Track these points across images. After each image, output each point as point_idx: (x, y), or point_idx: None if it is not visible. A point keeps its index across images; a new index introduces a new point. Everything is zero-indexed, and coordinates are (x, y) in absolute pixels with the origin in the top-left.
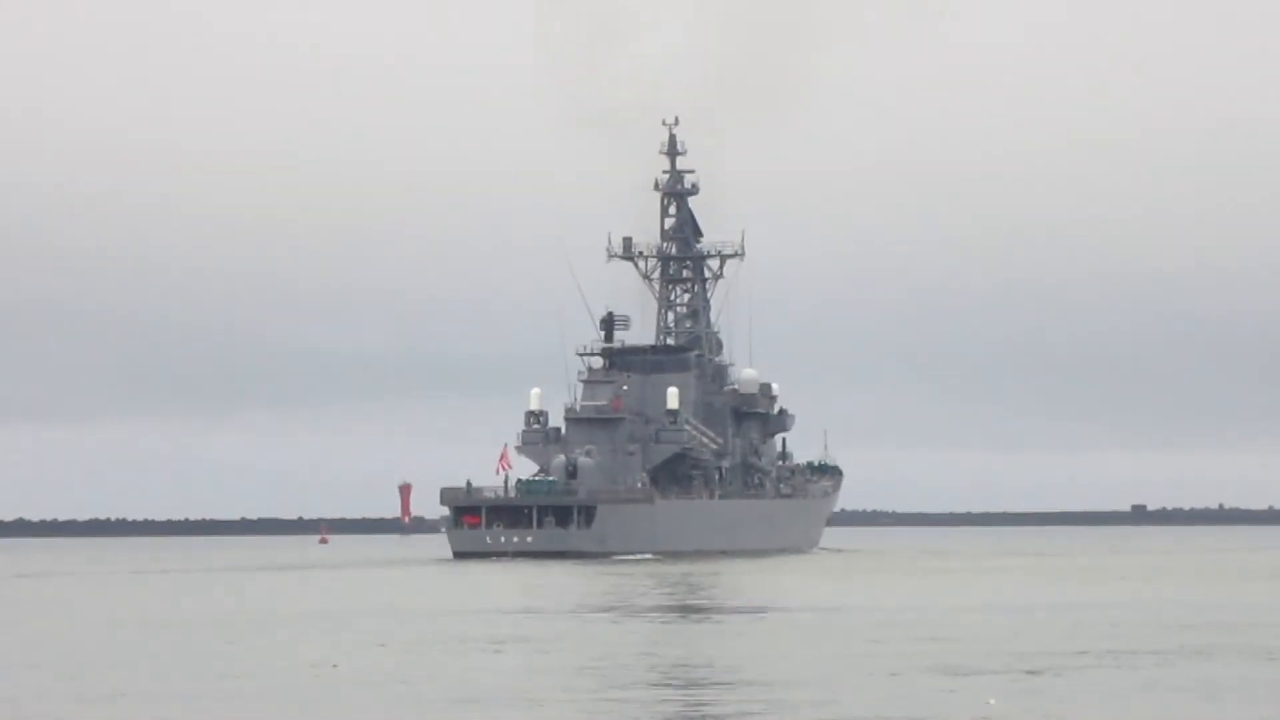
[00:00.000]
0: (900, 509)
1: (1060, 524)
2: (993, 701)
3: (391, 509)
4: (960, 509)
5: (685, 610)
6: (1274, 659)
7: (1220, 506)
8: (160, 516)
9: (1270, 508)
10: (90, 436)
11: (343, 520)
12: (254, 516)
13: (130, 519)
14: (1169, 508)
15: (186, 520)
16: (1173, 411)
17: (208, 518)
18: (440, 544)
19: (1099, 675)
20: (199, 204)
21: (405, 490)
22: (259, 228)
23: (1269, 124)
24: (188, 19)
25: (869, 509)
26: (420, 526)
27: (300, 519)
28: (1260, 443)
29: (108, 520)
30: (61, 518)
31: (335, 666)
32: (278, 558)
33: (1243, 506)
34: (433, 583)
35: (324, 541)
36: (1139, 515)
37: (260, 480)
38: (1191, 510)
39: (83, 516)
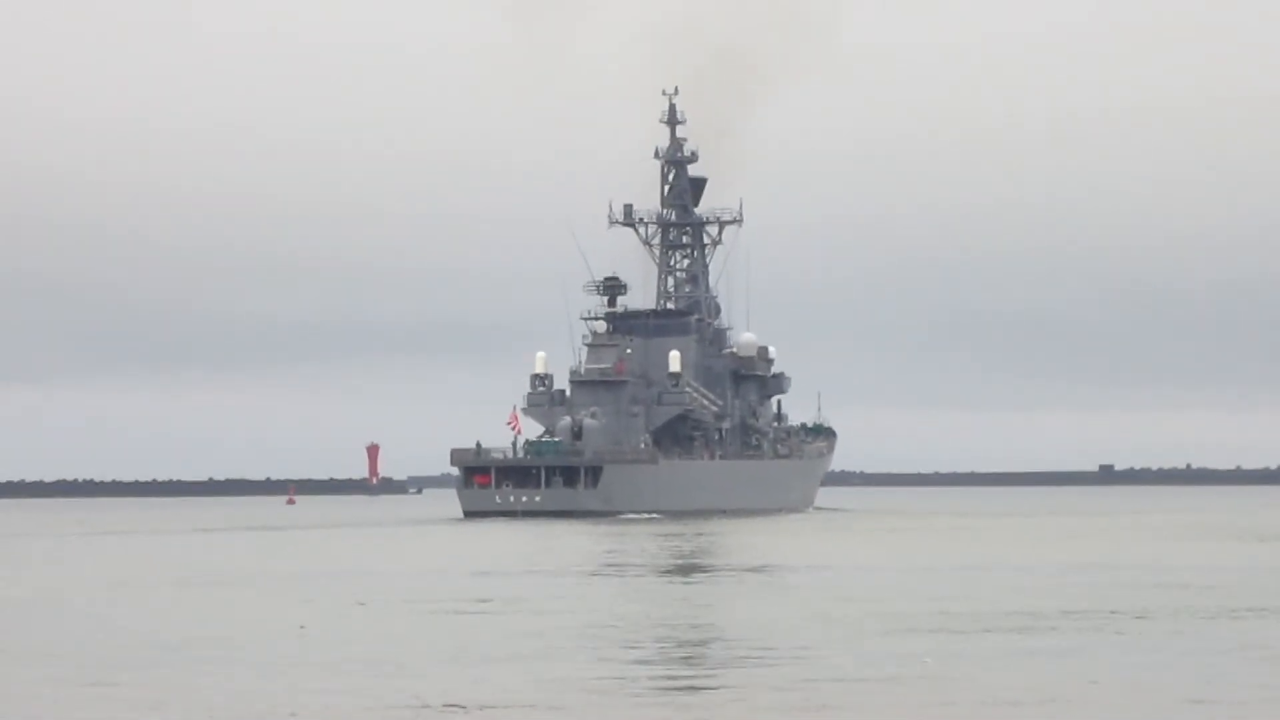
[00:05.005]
0: (879, 470)
1: (1028, 484)
2: (929, 661)
3: (359, 470)
4: (942, 469)
5: (682, 570)
6: (1224, 620)
7: (1188, 466)
8: (127, 477)
9: (1238, 467)
10: (57, 397)
11: (310, 481)
12: (221, 477)
13: (98, 480)
14: (1136, 468)
15: (154, 481)
16: (1142, 373)
17: (175, 478)
18: (419, 504)
19: (1047, 637)
20: (190, 177)
21: (373, 451)
22: (248, 200)
23: (1220, 102)
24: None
25: (852, 470)
26: (388, 487)
27: (268, 479)
28: (1227, 403)
29: (75, 481)
30: (28, 479)
31: (302, 628)
32: (268, 518)
33: (1210, 466)
34: (440, 542)
35: (291, 502)
36: (1106, 475)
37: (227, 441)
38: (1159, 470)
39: (50, 478)
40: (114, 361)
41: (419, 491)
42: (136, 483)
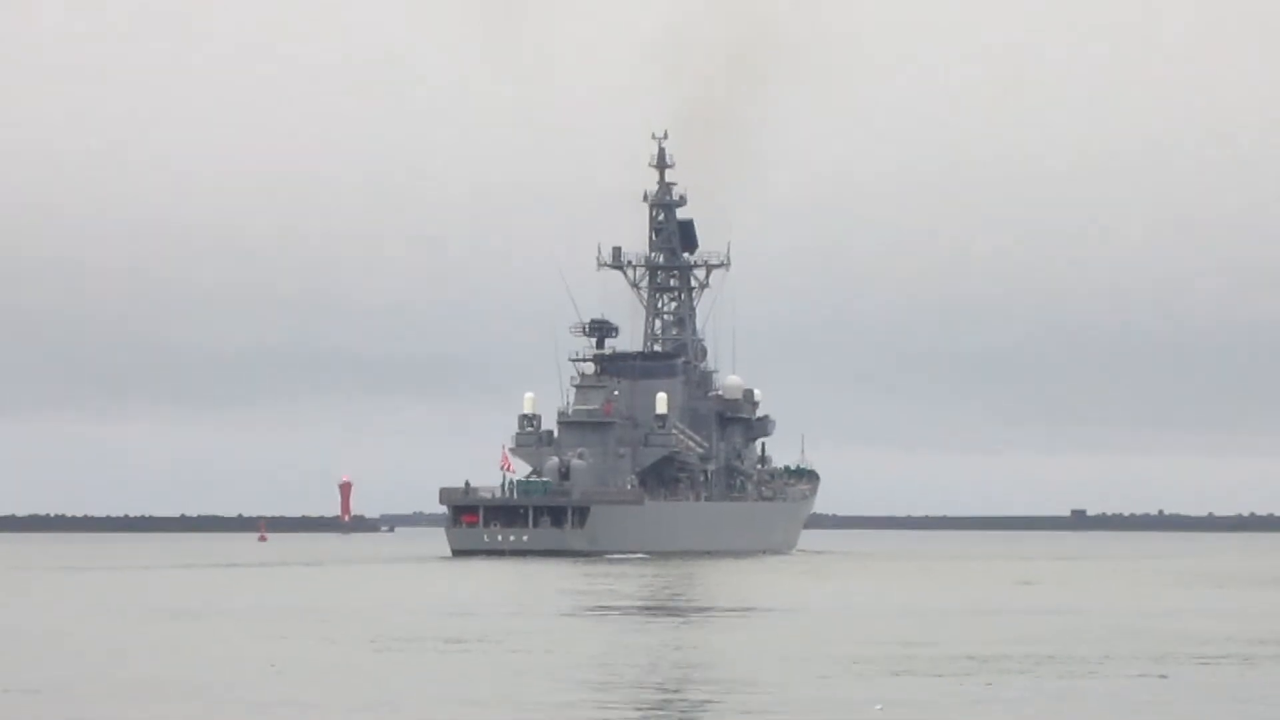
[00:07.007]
0: (862, 513)
1: (1003, 528)
2: (879, 708)
3: (329, 507)
4: (917, 513)
5: (663, 611)
6: (1189, 665)
7: (1160, 513)
8: (98, 512)
9: (1210, 514)
10: (29, 430)
11: (281, 518)
12: (193, 514)
13: (68, 515)
14: (1109, 513)
15: (125, 517)
16: (1115, 418)
17: (145, 514)
18: (401, 542)
19: (1012, 681)
20: (160, 205)
21: (345, 488)
22: (224, 229)
23: (1187, 140)
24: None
25: (835, 513)
26: (360, 525)
27: (240, 516)
28: (1200, 450)
29: (45, 516)
30: None
31: (273, 666)
32: (245, 555)
33: (1182, 513)
34: (424, 581)
35: (263, 539)
36: (1079, 520)
37: (198, 477)
38: (1131, 516)
39: (21, 512)
40: (83, 394)
41: (391, 530)
42: (108, 518)
